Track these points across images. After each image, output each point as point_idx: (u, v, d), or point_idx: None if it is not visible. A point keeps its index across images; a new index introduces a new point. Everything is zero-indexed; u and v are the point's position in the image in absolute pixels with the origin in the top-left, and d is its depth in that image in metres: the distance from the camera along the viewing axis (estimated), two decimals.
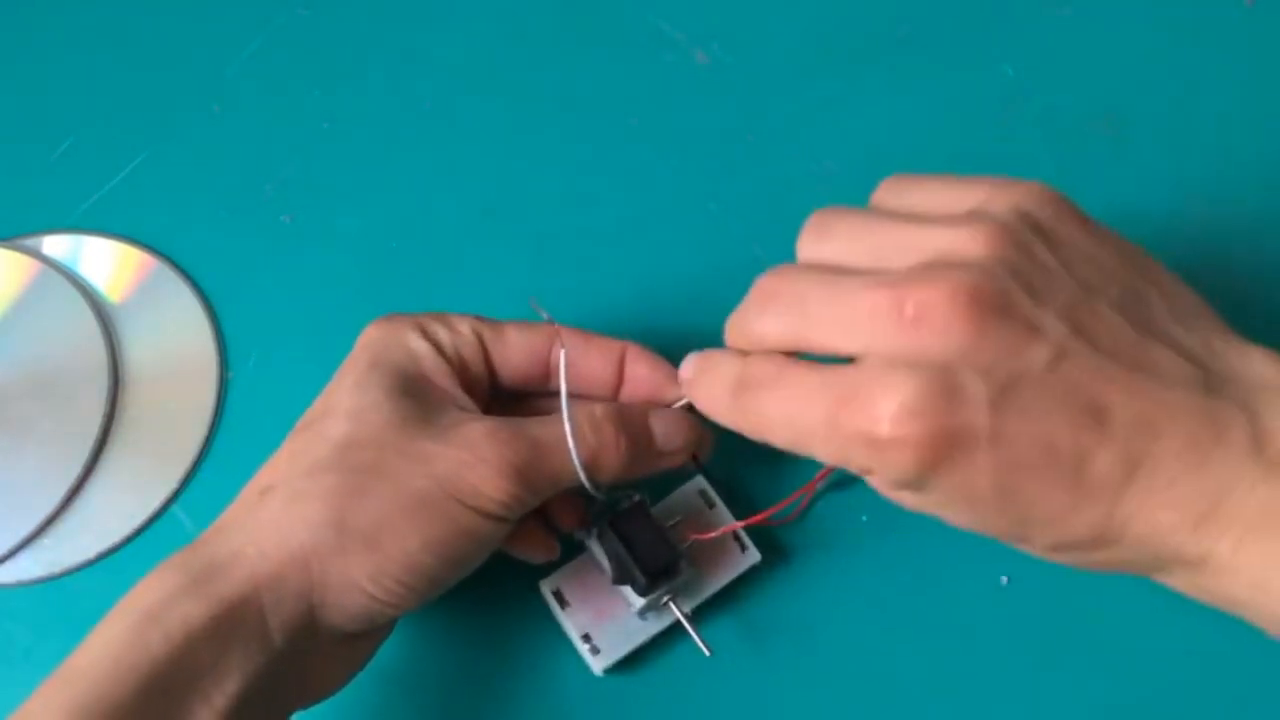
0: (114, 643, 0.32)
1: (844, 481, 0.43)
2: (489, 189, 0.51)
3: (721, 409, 0.34)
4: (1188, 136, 0.51)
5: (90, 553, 0.44)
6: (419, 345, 0.37)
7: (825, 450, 0.31)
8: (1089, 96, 0.52)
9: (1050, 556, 0.30)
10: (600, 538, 0.39)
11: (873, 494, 0.42)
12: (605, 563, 0.39)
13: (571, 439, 0.36)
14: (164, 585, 0.33)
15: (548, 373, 0.39)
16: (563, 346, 0.38)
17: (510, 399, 0.40)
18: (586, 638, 0.40)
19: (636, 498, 0.39)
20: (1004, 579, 0.42)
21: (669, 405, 0.39)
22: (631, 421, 0.38)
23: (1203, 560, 0.28)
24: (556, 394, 0.39)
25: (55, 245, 0.50)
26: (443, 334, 0.38)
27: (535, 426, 0.36)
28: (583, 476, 0.37)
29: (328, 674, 0.36)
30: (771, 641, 0.42)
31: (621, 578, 0.39)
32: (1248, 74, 0.52)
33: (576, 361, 0.39)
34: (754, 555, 0.41)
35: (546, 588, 0.41)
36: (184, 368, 0.47)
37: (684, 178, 0.51)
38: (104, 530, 0.44)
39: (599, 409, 0.37)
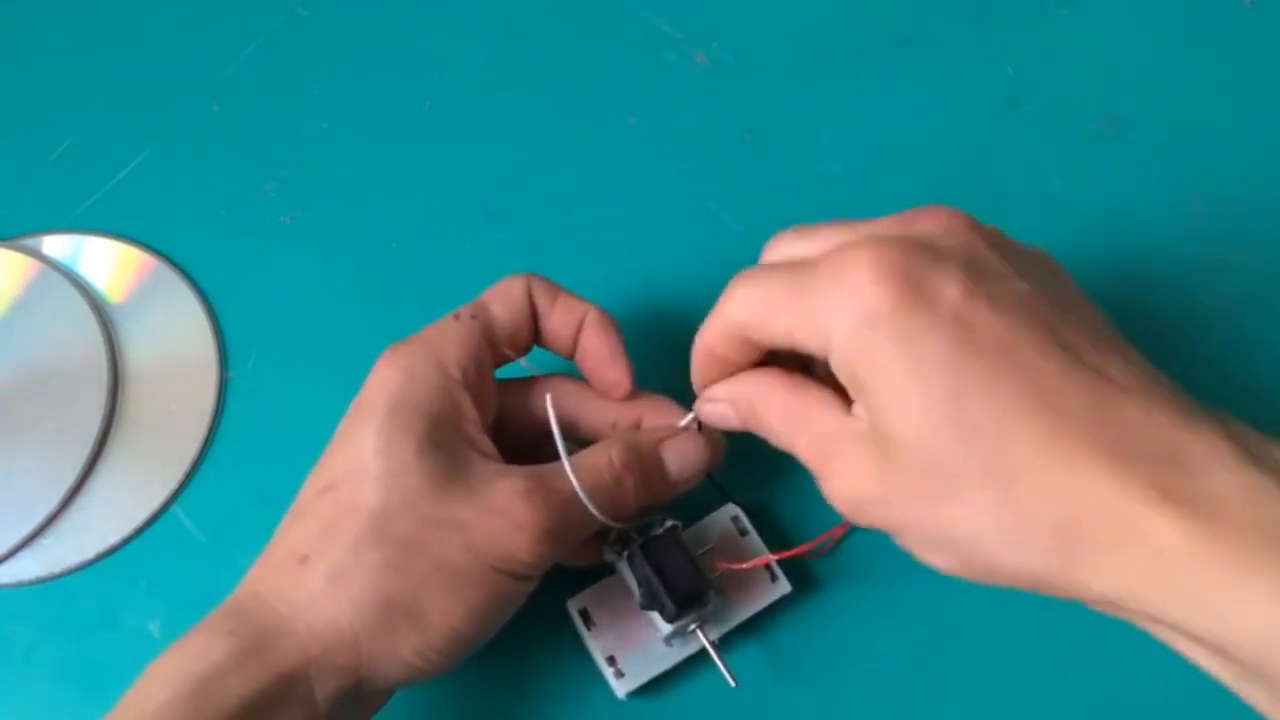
0: (164, 712, 0.32)
1: None
2: (489, 189, 0.51)
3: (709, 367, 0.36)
4: (1188, 136, 0.51)
5: (90, 553, 0.44)
6: (437, 379, 0.37)
7: (795, 321, 0.32)
8: (1089, 96, 0.52)
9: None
10: (631, 561, 0.39)
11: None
12: (634, 586, 0.39)
13: (589, 502, 0.36)
14: (215, 653, 0.33)
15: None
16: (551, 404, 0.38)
17: (521, 396, 0.40)
18: (611, 660, 0.40)
19: (669, 523, 0.39)
20: None
21: (678, 426, 0.39)
22: (647, 460, 0.38)
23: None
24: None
25: (55, 245, 0.50)
26: (456, 354, 0.37)
27: (564, 481, 0.36)
28: (607, 521, 0.37)
29: None
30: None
31: (649, 603, 0.38)
32: (1248, 74, 0.52)
33: (544, 323, 0.39)
34: (784, 586, 0.41)
35: (573, 607, 0.40)
36: (184, 368, 0.47)
37: (684, 178, 0.51)
38: (104, 530, 0.44)
39: (616, 455, 0.37)
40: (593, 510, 0.36)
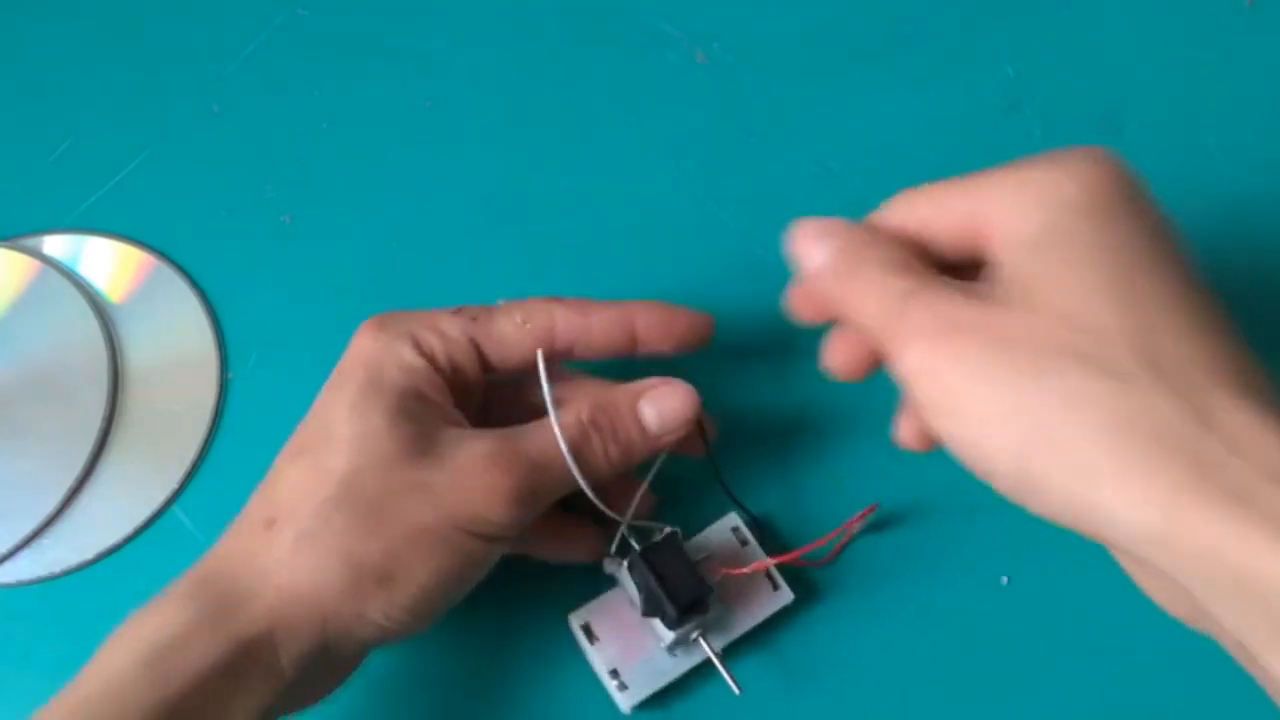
0: (124, 679, 0.32)
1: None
2: (488, 189, 0.51)
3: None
4: (1188, 136, 0.51)
5: (90, 553, 0.44)
6: (413, 360, 0.37)
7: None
8: (1089, 96, 0.52)
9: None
10: (631, 569, 0.39)
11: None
12: (635, 594, 0.39)
13: (570, 457, 0.36)
14: (177, 620, 0.33)
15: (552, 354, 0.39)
16: (543, 359, 0.38)
17: (509, 384, 0.40)
18: (614, 673, 0.39)
19: (668, 530, 0.39)
20: (1004, 579, 0.42)
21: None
22: (618, 417, 0.37)
23: None
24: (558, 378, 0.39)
25: (55, 245, 0.50)
26: (435, 344, 0.37)
27: (531, 442, 0.36)
28: (587, 489, 0.37)
29: (321, 688, 0.37)
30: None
31: (651, 609, 0.38)
32: (1248, 74, 0.52)
33: (577, 341, 0.39)
34: (787, 595, 0.41)
35: (575, 621, 0.40)
36: (184, 368, 0.47)
37: (684, 178, 0.51)
38: (104, 530, 0.44)
39: (584, 413, 0.37)
40: (575, 472, 0.36)
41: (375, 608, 0.34)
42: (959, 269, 0.32)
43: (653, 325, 0.39)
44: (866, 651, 0.42)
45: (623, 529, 0.39)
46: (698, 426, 0.39)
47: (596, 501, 0.37)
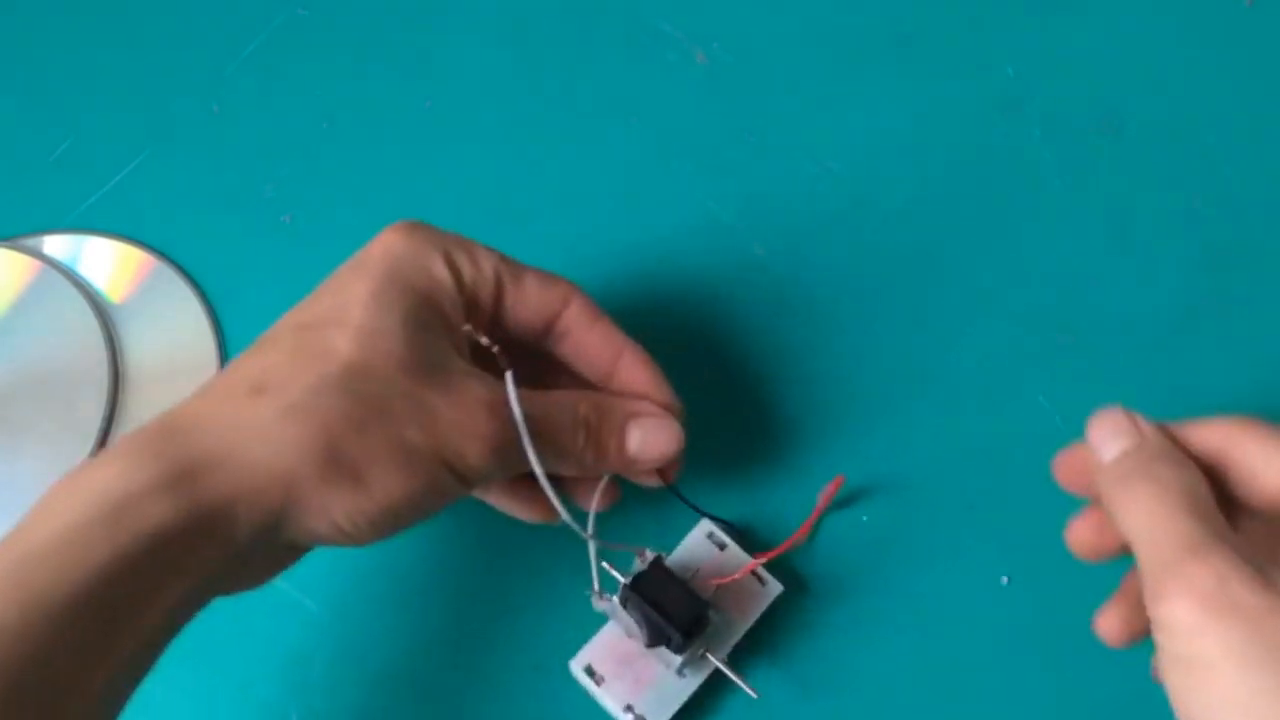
0: (77, 532, 0.30)
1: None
2: (488, 189, 0.51)
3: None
4: (1188, 137, 0.51)
5: None
6: (442, 274, 0.36)
7: None
8: (1089, 96, 0.52)
9: None
10: (625, 604, 0.38)
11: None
12: (636, 629, 0.38)
13: (534, 457, 0.35)
14: (138, 475, 0.31)
15: (550, 333, 0.39)
16: (510, 371, 0.36)
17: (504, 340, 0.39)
18: (629, 709, 0.39)
19: (652, 556, 0.38)
20: (1004, 579, 0.42)
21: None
22: (609, 425, 0.37)
23: None
24: (548, 356, 0.39)
25: (55, 245, 0.50)
26: (466, 267, 0.37)
27: (532, 406, 0.35)
28: (543, 481, 0.35)
29: (260, 574, 0.35)
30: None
31: (655, 640, 0.38)
32: (1248, 74, 0.52)
33: (576, 333, 0.39)
34: (776, 587, 0.41)
35: (577, 666, 0.39)
36: (184, 368, 0.47)
37: (684, 178, 0.51)
38: None
39: (584, 406, 0.37)
40: (535, 464, 0.35)
41: (339, 506, 0.32)
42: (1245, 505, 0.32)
43: (634, 369, 0.39)
44: (867, 654, 0.42)
45: (597, 563, 0.38)
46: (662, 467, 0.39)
47: (549, 493, 0.35)
